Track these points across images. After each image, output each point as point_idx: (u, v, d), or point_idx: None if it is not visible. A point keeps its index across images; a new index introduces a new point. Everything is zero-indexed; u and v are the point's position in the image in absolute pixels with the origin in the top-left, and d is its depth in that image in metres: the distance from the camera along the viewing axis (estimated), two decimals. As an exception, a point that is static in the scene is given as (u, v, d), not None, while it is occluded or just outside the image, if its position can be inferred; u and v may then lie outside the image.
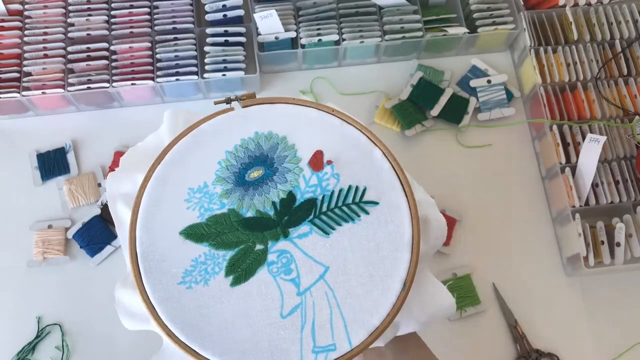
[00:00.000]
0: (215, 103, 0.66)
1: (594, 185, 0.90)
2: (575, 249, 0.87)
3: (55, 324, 0.88)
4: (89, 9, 0.99)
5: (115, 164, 0.95)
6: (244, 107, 0.65)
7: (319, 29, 0.98)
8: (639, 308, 0.90)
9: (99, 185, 0.95)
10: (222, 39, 0.97)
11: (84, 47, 0.96)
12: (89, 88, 0.93)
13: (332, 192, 0.61)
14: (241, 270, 0.59)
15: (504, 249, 0.93)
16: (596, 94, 0.95)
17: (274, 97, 0.65)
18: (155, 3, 0.99)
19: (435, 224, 0.64)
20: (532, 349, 0.87)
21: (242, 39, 0.98)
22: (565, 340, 0.88)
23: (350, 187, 0.61)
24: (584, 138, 0.90)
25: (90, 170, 0.96)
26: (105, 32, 0.98)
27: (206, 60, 0.95)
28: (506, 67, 1.05)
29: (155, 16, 0.99)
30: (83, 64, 0.95)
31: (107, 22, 0.99)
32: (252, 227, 0.60)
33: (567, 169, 0.90)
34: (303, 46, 0.98)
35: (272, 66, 1.03)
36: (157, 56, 0.96)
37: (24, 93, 0.93)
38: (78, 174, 0.95)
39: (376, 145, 0.63)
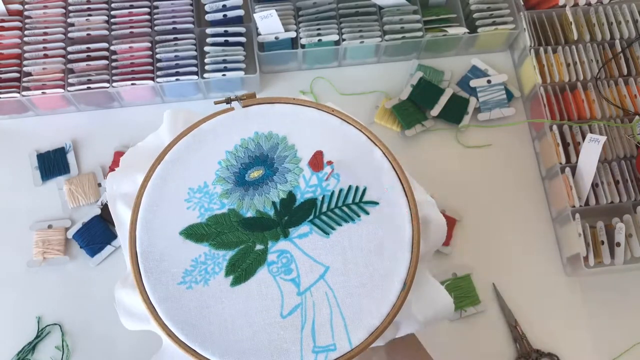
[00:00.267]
0: (216, 103, 0.66)
1: (594, 185, 0.90)
2: (575, 249, 0.87)
3: (55, 324, 0.88)
4: (89, 9, 0.99)
5: (115, 164, 0.95)
6: (244, 107, 0.65)
7: (319, 29, 0.98)
8: (639, 308, 0.90)
9: (99, 185, 0.95)
10: (222, 39, 0.97)
11: (84, 47, 0.96)
12: (89, 88, 0.93)
13: (332, 192, 0.61)
14: (241, 270, 0.59)
15: (504, 249, 0.93)
16: (596, 94, 0.95)
17: (274, 97, 0.65)
18: (155, 3, 0.99)
19: (435, 224, 0.64)
20: (532, 349, 0.87)
21: (242, 39, 0.98)
22: (565, 340, 0.88)
23: (350, 187, 0.61)
24: (584, 138, 0.90)
25: (90, 170, 0.96)
26: (105, 32, 0.98)
27: (206, 60, 0.95)
28: (506, 67, 1.05)
29: (155, 16, 0.99)
30: (83, 64, 0.95)
31: (107, 22, 0.99)
32: (252, 227, 0.60)
33: (567, 169, 0.90)
34: (303, 46, 0.98)
35: (272, 66, 1.03)
36: (157, 56, 0.96)
37: (24, 93, 0.93)
38: (78, 174, 0.95)
39: (376, 145, 0.63)
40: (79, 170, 0.96)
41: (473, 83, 1.01)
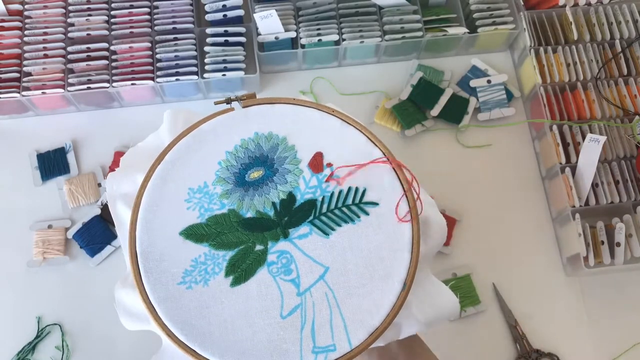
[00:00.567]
0: (216, 103, 0.66)
1: (594, 185, 0.90)
2: (575, 249, 0.87)
3: (55, 324, 0.88)
4: (89, 9, 0.99)
5: (115, 164, 0.96)
6: (244, 107, 0.65)
7: (319, 29, 0.98)
8: (639, 308, 0.90)
9: (99, 185, 0.95)
10: (222, 39, 0.97)
11: (84, 47, 0.96)
12: (89, 88, 0.93)
13: (332, 193, 0.61)
14: (241, 270, 0.59)
15: (504, 249, 0.93)
16: (596, 94, 0.95)
17: (274, 98, 0.65)
18: (155, 3, 0.99)
19: (435, 224, 0.64)
20: (532, 349, 0.87)
21: (242, 39, 0.98)
22: (565, 340, 0.88)
23: (350, 188, 0.61)
24: (584, 138, 0.90)
25: (90, 170, 0.96)
26: (105, 32, 0.98)
27: (206, 60, 0.95)
28: (506, 67, 1.05)
29: (155, 16, 0.99)
30: (83, 64, 0.95)
31: (107, 22, 0.99)
32: (252, 227, 0.60)
33: (567, 169, 0.90)
34: (303, 46, 0.98)
35: (272, 66, 1.03)
36: (157, 56, 0.96)
37: (24, 93, 0.93)
38: (78, 174, 0.95)
39: (376, 145, 0.63)
40: (79, 170, 0.96)
41: (473, 83, 1.00)
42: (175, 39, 0.98)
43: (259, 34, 0.97)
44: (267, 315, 0.57)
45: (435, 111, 0.98)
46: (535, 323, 0.89)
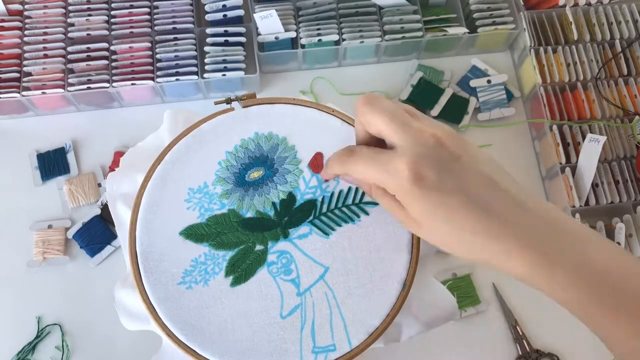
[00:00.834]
0: (216, 103, 0.66)
1: (594, 185, 0.90)
2: (575, 249, 0.87)
3: (55, 324, 0.88)
4: (89, 9, 0.99)
5: (115, 164, 0.95)
6: (244, 107, 0.65)
7: (319, 29, 0.98)
8: (639, 308, 0.90)
9: (99, 185, 0.95)
10: (222, 39, 0.97)
11: (84, 47, 0.96)
12: (89, 88, 0.93)
13: (332, 193, 0.61)
14: (241, 270, 0.59)
15: (504, 249, 0.93)
16: (596, 94, 0.95)
17: (274, 98, 0.65)
18: (155, 3, 0.99)
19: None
20: (532, 349, 0.87)
21: (242, 39, 0.98)
22: (565, 340, 0.88)
23: (350, 188, 0.61)
24: (584, 138, 0.90)
25: (90, 170, 0.96)
26: (105, 32, 0.98)
27: (206, 60, 0.95)
28: (506, 67, 1.05)
29: (155, 16, 0.99)
30: (83, 64, 0.95)
31: (107, 22, 0.99)
32: (252, 227, 0.60)
33: (567, 169, 0.90)
34: (303, 46, 0.98)
35: (272, 66, 1.03)
36: (157, 56, 0.96)
37: (24, 93, 0.93)
38: (78, 174, 0.95)
39: (376, 145, 0.63)
40: (79, 170, 0.96)
41: (473, 83, 1.01)
42: (175, 39, 0.98)
43: (259, 34, 0.97)
44: (267, 315, 0.58)
45: (435, 111, 0.98)
46: (535, 323, 0.89)
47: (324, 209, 0.61)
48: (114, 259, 0.91)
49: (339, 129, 0.64)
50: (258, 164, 0.63)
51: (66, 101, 0.97)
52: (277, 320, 0.57)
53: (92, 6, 0.99)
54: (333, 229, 0.60)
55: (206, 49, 0.96)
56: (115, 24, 0.98)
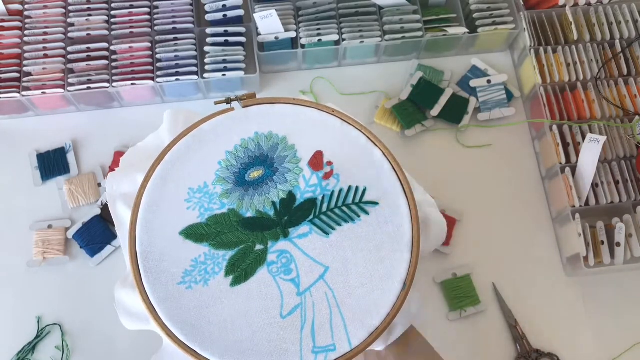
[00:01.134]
0: (216, 103, 0.66)
1: (594, 185, 0.90)
2: (575, 249, 0.87)
3: (55, 324, 0.88)
4: (89, 9, 0.99)
5: (115, 164, 0.95)
6: (244, 107, 0.65)
7: (319, 29, 0.98)
8: (639, 308, 0.90)
9: (99, 185, 0.95)
10: (222, 39, 0.97)
11: (84, 47, 0.96)
12: (89, 88, 0.93)
13: (332, 193, 0.61)
14: (241, 270, 0.59)
15: (504, 249, 0.93)
16: (596, 94, 0.95)
17: (274, 97, 0.65)
18: (155, 3, 0.99)
19: (435, 223, 0.65)
20: (532, 349, 0.87)
21: (242, 39, 0.98)
22: (565, 340, 0.88)
23: (350, 188, 0.61)
24: (584, 138, 0.90)
25: (90, 170, 0.96)
26: (105, 32, 0.98)
27: (206, 60, 0.95)
28: (506, 67, 1.05)
29: (155, 16, 0.99)
30: (83, 64, 0.95)
31: (107, 22, 0.98)
32: (252, 227, 0.60)
33: (567, 169, 0.90)
34: (303, 46, 0.98)
35: (272, 66, 1.03)
36: (157, 56, 0.96)
37: (24, 93, 0.93)
38: (78, 174, 0.95)
39: (376, 145, 0.63)
40: (79, 170, 0.96)
41: (473, 83, 1.00)
42: (175, 39, 0.98)
43: (259, 34, 0.97)
44: (267, 315, 0.57)
45: (435, 111, 0.98)
46: (535, 323, 0.89)
47: (324, 208, 0.61)
48: (114, 259, 0.91)
49: (339, 129, 0.64)
50: (258, 163, 0.63)
51: (66, 101, 0.97)
52: (277, 320, 0.57)
53: (92, 6, 0.99)
54: (333, 229, 0.60)
55: (206, 49, 0.96)
56: (115, 24, 0.98)
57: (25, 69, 0.94)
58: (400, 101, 0.99)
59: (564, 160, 0.91)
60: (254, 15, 0.95)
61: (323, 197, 0.61)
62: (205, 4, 0.97)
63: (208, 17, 0.98)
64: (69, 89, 0.93)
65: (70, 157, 0.96)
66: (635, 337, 0.89)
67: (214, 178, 0.62)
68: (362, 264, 0.59)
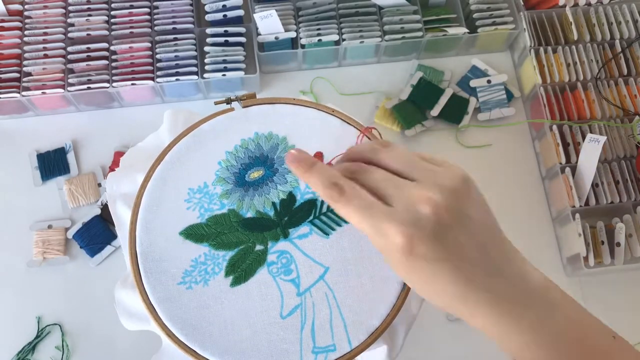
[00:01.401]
0: (216, 103, 0.66)
1: (594, 185, 0.90)
2: (575, 249, 0.87)
3: (55, 324, 0.88)
4: (89, 9, 0.99)
5: (115, 164, 0.96)
6: (244, 107, 0.65)
7: (319, 29, 0.98)
8: (639, 308, 0.90)
9: (99, 185, 0.95)
10: (222, 39, 0.97)
11: (84, 47, 0.96)
12: (89, 88, 0.93)
13: (332, 193, 0.61)
14: (241, 270, 0.59)
15: (504, 249, 0.93)
16: (596, 94, 0.95)
17: (275, 98, 0.65)
18: (155, 3, 0.99)
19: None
20: (532, 349, 0.87)
21: (242, 39, 0.98)
22: (565, 340, 0.88)
23: (350, 188, 0.61)
24: (584, 138, 0.90)
25: (90, 170, 0.96)
26: (105, 32, 0.98)
27: (206, 60, 0.95)
28: (506, 67, 1.05)
29: (155, 16, 0.99)
30: (83, 64, 0.95)
31: (107, 22, 0.99)
32: (252, 227, 0.60)
33: (567, 169, 0.90)
34: (303, 46, 0.98)
35: (272, 66, 1.03)
36: (157, 56, 0.96)
37: (24, 93, 0.93)
38: (78, 174, 0.95)
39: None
40: (79, 170, 0.96)
41: (473, 83, 1.01)
42: (175, 39, 0.98)
43: (259, 34, 0.97)
44: (267, 315, 0.57)
45: (435, 111, 0.98)
46: (535, 323, 0.89)
47: (324, 209, 0.60)
48: (114, 259, 0.91)
49: (339, 129, 0.64)
50: (258, 163, 0.63)
51: (66, 101, 0.97)
52: (277, 320, 0.57)
53: (92, 6, 0.99)
54: (333, 229, 0.60)
55: (206, 49, 0.96)
56: (115, 24, 0.98)
57: (25, 69, 0.94)
58: (400, 101, 0.99)
59: (564, 160, 0.91)
60: (254, 15, 0.95)
61: (323, 198, 0.61)
62: (205, 4, 0.97)
63: (208, 17, 0.98)
64: (69, 89, 0.93)
65: (70, 157, 0.96)
66: (635, 337, 0.89)
67: (214, 178, 0.62)
68: (362, 265, 0.59)
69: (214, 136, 0.64)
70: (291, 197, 0.61)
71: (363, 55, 1.03)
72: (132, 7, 0.99)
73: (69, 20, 0.98)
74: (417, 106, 1.00)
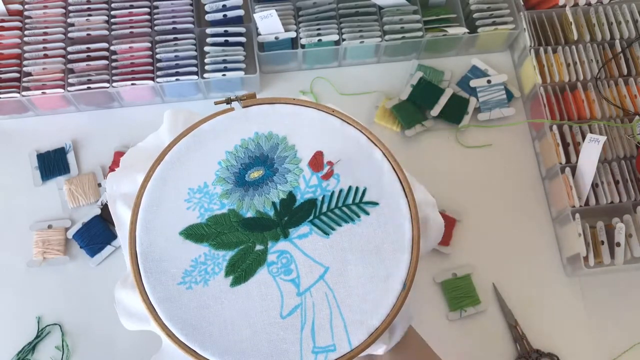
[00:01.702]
0: (216, 103, 0.66)
1: (594, 185, 0.90)
2: (575, 249, 0.87)
3: (55, 324, 0.88)
4: (89, 9, 0.99)
5: (115, 164, 0.96)
6: (244, 107, 0.65)
7: (319, 29, 0.98)
8: (639, 308, 0.90)
9: (99, 185, 0.95)
10: (222, 39, 0.97)
11: (84, 47, 0.96)
12: (89, 88, 0.93)
13: (332, 193, 0.61)
14: (241, 270, 0.59)
15: (504, 249, 0.93)
16: (596, 94, 0.95)
17: (274, 98, 0.65)
18: (155, 3, 0.99)
19: (434, 223, 0.65)
20: (532, 349, 0.87)
21: (242, 39, 0.98)
22: (565, 340, 0.88)
23: (350, 188, 0.61)
24: (584, 138, 0.90)
25: (90, 170, 0.96)
26: (105, 32, 0.98)
27: (206, 60, 0.95)
28: (506, 67, 1.05)
29: (155, 16, 0.99)
30: (83, 64, 0.95)
31: (107, 22, 0.99)
32: (252, 227, 0.60)
33: (567, 169, 0.90)
34: (303, 46, 0.98)
35: (272, 66, 1.03)
36: (157, 56, 0.96)
37: (24, 93, 0.93)
38: (78, 174, 0.95)
39: (376, 145, 0.63)
40: (79, 170, 0.96)
41: (473, 83, 1.00)
42: (175, 39, 0.98)
43: (259, 34, 0.97)
44: (267, 315, 0.57)
45: (435, 111, 0.98)
46: (535, 323, 0.89)
47: (324, 209, 0.61)
48: (114, 259, 0.91)
49: (338, 129, 0.64)
50: (258, 163, 0.63)
51: (66, 101, 0.97)
52: (277, 320, 0.57)
53: (92, 6, 0.99)
54: (333, 229, 0.60)
55: (206, 49, 0.96)
56: (115, 24, 0.98)
57: (25, 69, 0.94)
58: (400, 101, 0.99)
59: (564, 160, 0.91)
60: (254, 15, 0.95)
61: (323, 198, 0.61)
62: (205, 4, 0.97)
63: (208, 17, 0.98)
64: (69, 89, 0.93)
65: (70, 157, 0.96)
66: (635, 337, 0.89)
67: (214, 178, 0.62)
68: (362, 265, 0.59)
69: (214, 136, 0.64)
70: (291, 196, 0.61)
71: (363, 55, 1.03)
72: (132, 7, 0.99)
73: (69, 20, 0.98)
74: (417, 106, 1.00)
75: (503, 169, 0.98)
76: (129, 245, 0.60)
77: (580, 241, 0.86)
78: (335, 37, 0.97)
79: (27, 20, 0.98)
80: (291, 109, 0.65)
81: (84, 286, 0.90)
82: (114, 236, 0.91)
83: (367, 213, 0.60)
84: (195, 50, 0.97)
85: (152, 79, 0.95)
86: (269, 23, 0.95)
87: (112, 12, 0.99)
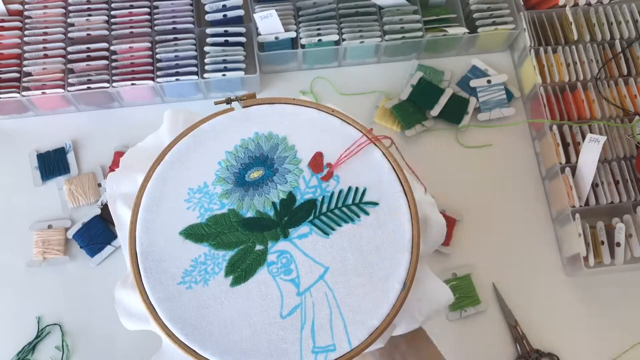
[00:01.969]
0: (216, 103, 0.66)
1: (594, 185, 0.90)
2: (575, 249, 0.87)
3: (55, 324, 0.88)
4: (89, 9, 0.99)
5: (115, 164, 0.96)
6: (244, 107, 0.65)
7: (319, 29, 0.98)
8: (639, 308, 0.90)
9: (99, 185, 0.95)
10: (222, 39, 0.97)
11: (84, 47, 0.96)
12: (89, 88, 0.93)
13: (332, 193, 0.61)
14: (241, 270, 0.59)
15: (504, 249, 0.93)
16: (596, 94, 0.95)
17: (274, 98, 0.65)
18: (155, 3, 0.99)
19: (435, 224, 0.64)
20: (532, 349, 0.87)
21: (242, 39, 0.98)
22: (565, 340, 0.88)
23: (350, 188, 0.61)
24: (584, 138, 0.90)
25: (90, 170, 0.96)
26: (105, 32, 0.98)
27: (206, 60, 0.95)
28: (506, 67, 1.05)
29: (155, 16, 0.99)
30: (83, 64, 0.95)
31: (107, 22, 0.99)
32: (252, 227, 0.60)
33: (567, 169, 0.90)
34: (303, 46, 0.98)
35: (272, 66, 1.03)
36: (157, 56, 0.96)
37: (24, 93, 0.93)
38: (78, 174, 0.95)
39: (376, 146, 0.63)
40: (79, 170, 0.96)
41: (473, 83, 1.01)
42: (175, 39, 0.98)
43: (259, 34, 0.97)
44: (267, 315, 0.57)
45: (435, 111, 0.98)
46: (535, 323, 0.89)
47: (324, 209, 0.61)
48: (114, 259, 0.91)
49: (338, 129, 0.64)
50: (258, 163, 0.63)
51: (66, 101, 0.97)
52: (277, 320, 0.57)
53: (92, 6, 0.99)
54: (333, 229, 0.60)
55: (206, 49, 0.96)
56: (115, 24, 0.98)
57: (25, 69, 0.94)
58: (400, 101, 0.99)
59: (564, 160, 0.91)
60: (254, 15, 0.95)
61: (323, 198, 0.61)
62: (205, 4, 0.97)
63: (208, 17, 0.98)
64: (69, 89, 0.93)
65: (70, 157, 0.96)
66: (635, 337, 0.89)
67: (214, 178, 0.62)
68: (362, 265, 0.59)
69: (214, 136, 0.64)
70: (291, 197, 0.61)
71: (363, 55, 1.03)
72: (132, 7, 0.99)
73: (69, 20, 0.98)
74: (417, 106, 1.00)
75: (503, 169, 0.98)
76: (129, 245, 0.60)
77: (580, 241, 0.86)
78: (335, 37, 0.97)
79: (27, 20, 0.98)
80: (291, 109, 0.65)
81: (84, 286, 0.90)
82: (114, 236, 0.91)
83: (367, 213, 0.60)
84: (195, 50, 0.97)
85: (152, 79, 0.95)
86: (269, 23, 0.95)
87: (112, 12, 0.99)
